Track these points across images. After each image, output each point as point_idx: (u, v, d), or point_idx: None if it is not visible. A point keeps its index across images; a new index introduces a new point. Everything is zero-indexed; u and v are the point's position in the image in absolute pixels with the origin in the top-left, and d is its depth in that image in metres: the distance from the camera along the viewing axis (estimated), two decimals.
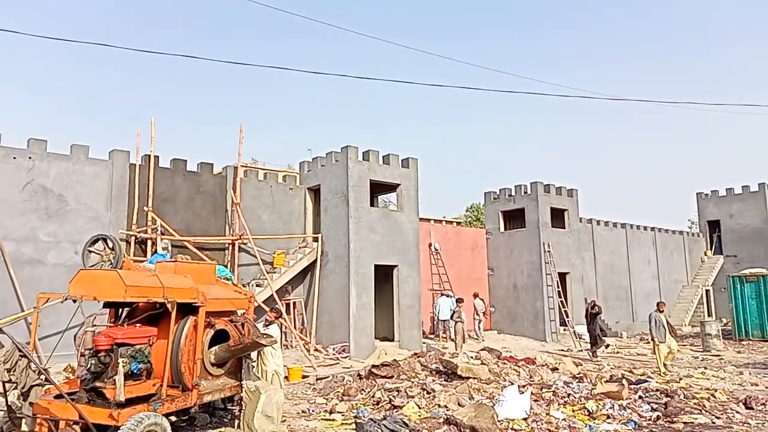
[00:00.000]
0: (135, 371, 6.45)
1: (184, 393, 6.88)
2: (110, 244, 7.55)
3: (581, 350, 19.13)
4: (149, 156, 15.27)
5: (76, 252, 12.97)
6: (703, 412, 8.94)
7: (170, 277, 7.14)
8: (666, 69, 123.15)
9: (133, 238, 14.51)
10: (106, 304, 7.26)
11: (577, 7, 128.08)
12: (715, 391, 10.59)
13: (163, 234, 14.83)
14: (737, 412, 9.06)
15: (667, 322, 14.18)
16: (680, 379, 12.68)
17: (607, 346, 16.94)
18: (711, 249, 32.66)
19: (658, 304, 14.90)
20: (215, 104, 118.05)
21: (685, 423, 8.41)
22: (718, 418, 8.73)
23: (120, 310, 7.42)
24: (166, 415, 6.46)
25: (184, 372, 6.87)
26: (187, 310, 7.10)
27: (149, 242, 14.70)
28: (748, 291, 22.11)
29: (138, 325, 6.90)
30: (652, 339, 14.24)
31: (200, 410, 7.65)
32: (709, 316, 27.68)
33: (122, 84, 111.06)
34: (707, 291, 29.46)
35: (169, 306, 6.60)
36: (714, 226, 32.71)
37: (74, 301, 6.40)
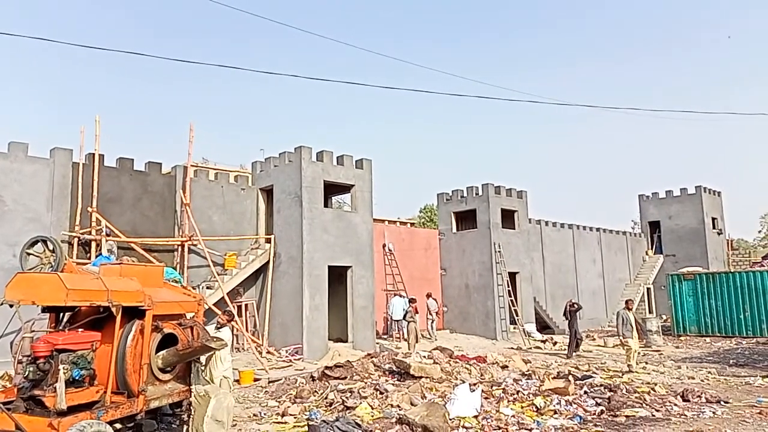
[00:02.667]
0: (77, 378, 6.20)
1: (130, 399, 6.66)
2: (50, 246, 7.22)
3: (530, 348, 19.62)
4: (93, 155, 14.73)
5: (14, 255, 12.35)
6: (644, 405, 9.36)
7: (115, 280, 6.89)
8: (617, 73, 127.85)
9: (75, 239, 13.96)
10: (46, 309, 6.96)
11: (535, 7, 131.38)
12: (655, 385, 11.10)
13: (108, 235, 14.33)
14: (675, 404, 9.53)
15: (635, 320, 14.33)
16: (623, 374, 13.20)
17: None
18: (652, 249, 34.09)
19: (626, 302, 15.26)
20: (165, 102, 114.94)
21: (627, 416, 8.79)
22: (657, 411, 9.15)
23: (61, 314, 7.13)
24: (111, 423, 6.24)
25: (129, 377, 6.66)
26: (133, 313, 6.88)
27: (93, 244, 14.17)
28: (685, 289, 23.22)
29: (80, 330, 6.64)
30: (620, 336, 14.51)
31: (147, 416, 7.41)
32: (650, 313, 28.79)
33: (66, 80, 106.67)
34: (648, 289, 30.69)
35: (113, 310, 6.38)
36: (654, 226, 34.17)
37: (11, 306, 6.11)
